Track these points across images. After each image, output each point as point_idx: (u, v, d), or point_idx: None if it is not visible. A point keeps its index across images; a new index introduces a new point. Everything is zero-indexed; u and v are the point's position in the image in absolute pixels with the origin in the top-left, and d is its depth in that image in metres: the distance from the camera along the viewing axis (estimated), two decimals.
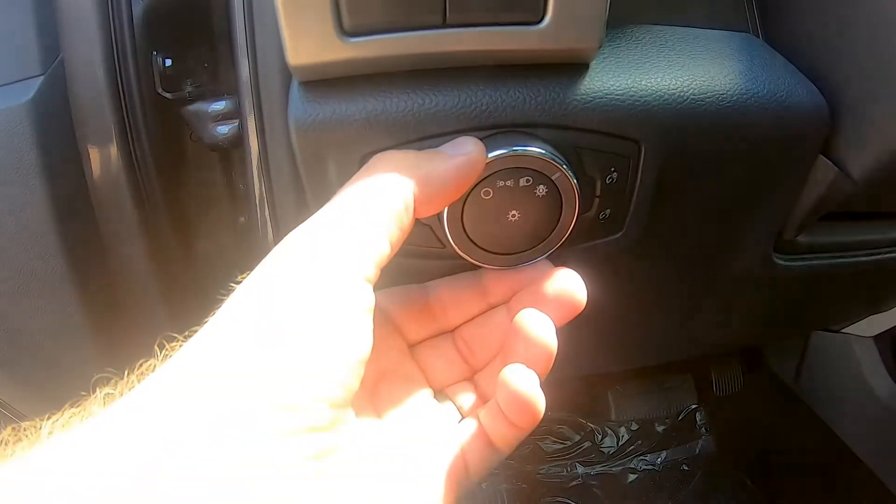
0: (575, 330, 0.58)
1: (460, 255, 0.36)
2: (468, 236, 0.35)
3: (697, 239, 0.49)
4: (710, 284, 0.56)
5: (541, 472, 1.20)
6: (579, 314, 0.45)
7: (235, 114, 0.73)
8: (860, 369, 0.96)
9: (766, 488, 1.17)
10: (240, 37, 0.58)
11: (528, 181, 0.33)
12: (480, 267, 0.37)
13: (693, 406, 1.25)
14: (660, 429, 1.24)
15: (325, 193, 0.37)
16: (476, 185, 0.33)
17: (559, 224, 0.35)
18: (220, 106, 0.73)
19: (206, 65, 0.75)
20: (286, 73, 0.53)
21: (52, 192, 0.62)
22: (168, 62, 0.70)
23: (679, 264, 0.51)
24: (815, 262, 0.56)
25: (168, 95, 0.71)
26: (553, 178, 0.34)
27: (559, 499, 1.15)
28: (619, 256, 0.44)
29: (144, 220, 0.75)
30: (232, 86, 0.74)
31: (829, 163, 0.47)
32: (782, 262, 0.55)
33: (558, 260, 0.39)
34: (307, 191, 0.37)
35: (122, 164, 0.69)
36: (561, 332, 0.57)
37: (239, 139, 0.72)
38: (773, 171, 0.45)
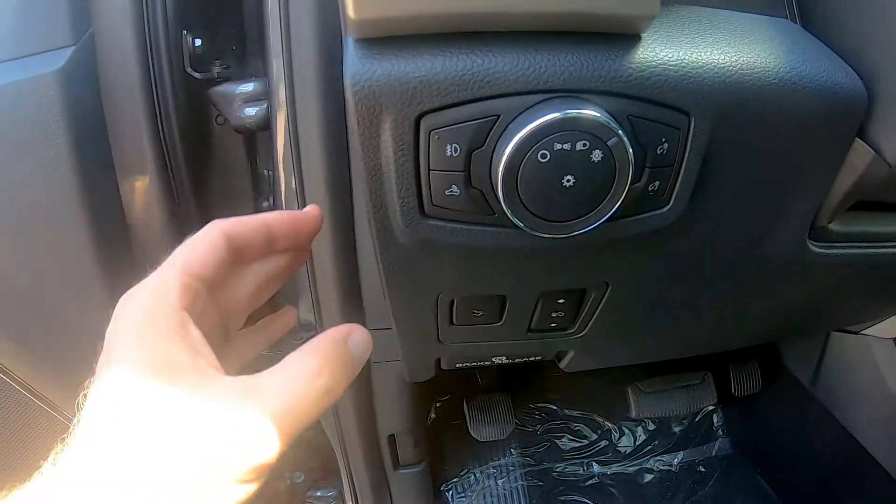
0: (601, 322, 0.58)
1: (511, 222, 0.36)
2: (521, 201, 0.34)
3: (738, 218, 0.48)
4: (745, 270, 0.56)
5: (557, 469, 1.19)
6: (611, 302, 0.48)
7: (263, 96, 0.72)
8: (879, 372, 0.94)
9: (783, 491, 1.16)
10: (273, 17, 0.58)
11: (584, 145, 0.33)
12: (529, 235, 0.37)
13: (710, 407, 1.25)
14: (677, 429, 1.23)
15: (376, 156, 0.36)
16: (533, 148, 0.33)
17: (612, 191, 0.35)
18: (248, 87, 0.72)
19: (234, 48, 0.75)
20: (321, 56, 0.53)
21: (78, 161, 0.62)
22: (198, 42, 0.70)
23: (718, 246, 0.51)
24: (846, 251, 0.56)
25: (197, 75, 0.71)
26: (609, 143, 0.33)
27: (575, 497, 1.15)
28: (661, 236, 0.43)
29: (168, 194, 0.74)
30: (259, 69, 0.74)
31: (866, 146, 0.46)
32: (815, 249, 0.54)
33: (606, 233, 0.39)
34: (360, 151, 0.37)
35: (148, 139, 0.69)
36: (591, 326, 0.56)
37: (265, 122, 0.72)
38: (812, 151, 0.45)
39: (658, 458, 1.22)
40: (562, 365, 0.71)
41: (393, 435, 0.94)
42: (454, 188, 0.36)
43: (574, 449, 1.22)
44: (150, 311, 0.31)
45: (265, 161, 0.83)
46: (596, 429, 1.23)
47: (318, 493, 1.08)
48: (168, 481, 0.27)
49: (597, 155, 0.34)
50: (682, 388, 1.07)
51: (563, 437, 1.22)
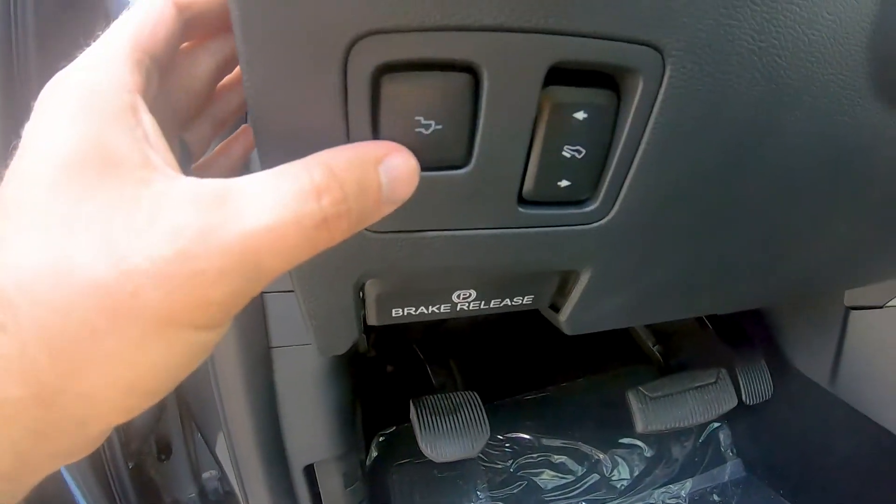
0: (642, 184, 0.36)
1: None
2: None
3: None
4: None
5: None
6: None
7: None
8: None
9: None
10: None
11: None
12: None
13: (716, 425, 1.04)
14: (679, 454, 1.01)
15: None
16: None
17: None
18: None
19: None
20: None
21: None
22: None
23: None
24: None
25: None
26: None
27: None
28: None
29: None
30: None
31: None
32: None
33: None
34: None
35: None
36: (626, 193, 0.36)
37: None
38: None
39: (662, 490, 0.99)
40: (563, 317, 0.47)
41: (311, 466, 0.68)
42: None
43: (558, 487, 0.96)
44: (90, 91, 0.22)
45: None
46: (582, 460, 0.98)
47: None
48: (89, 316, 0.19)
49: None
50: (696, 390, 0.85)
51: (542, 473, 0.97)
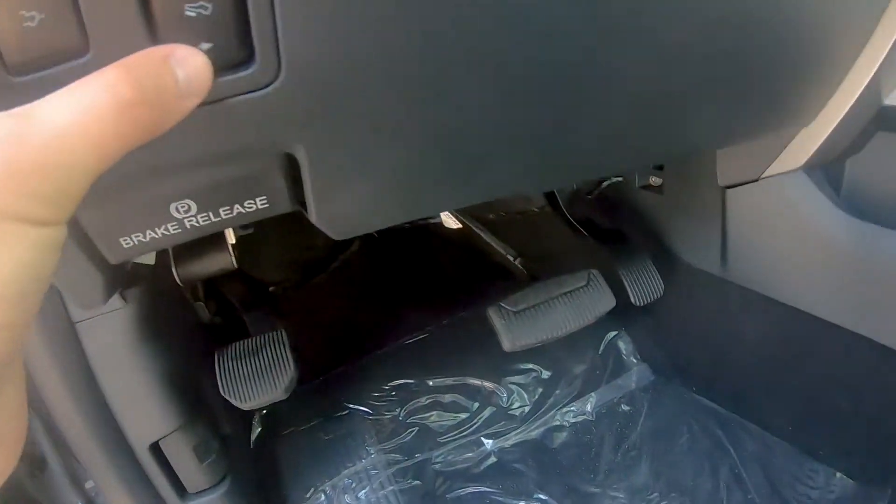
0: None
1: None
2: None
3: None
4: None
5: (437, 459, 0.89)
6: None
7: None
8: (797, 214, 0.77)
9: (731, 400, 0.93)
10: None
11: None
12: None
13: (612, 334, 1.00)
14: (579, 370, 0.97)
15: None
16: None
17: None
18: None
19: None
20: None
21: None
22: None
23: None
24: None
25: None
26: None
27: (470, 488, 0.85)
28: None
29: None
30: None
31: None
32: None
33: None
34: None
35: None
36: None
37: None
38: None
39: (566, 409, 0.94)
40: (313, 216, 0.42)
41: (157, 443, 0.64)
42: None
43: (452, 427, 0.92)
44: None
45: None
46: (474, 395, 0.94)
47: None
48: None
49: None
50: (565, 296, 0.79)
51: (431, 415, 0.93)
